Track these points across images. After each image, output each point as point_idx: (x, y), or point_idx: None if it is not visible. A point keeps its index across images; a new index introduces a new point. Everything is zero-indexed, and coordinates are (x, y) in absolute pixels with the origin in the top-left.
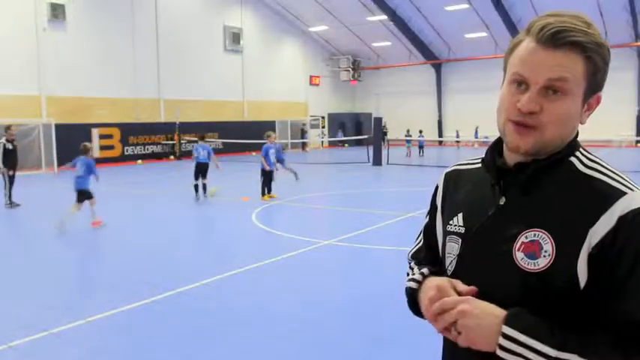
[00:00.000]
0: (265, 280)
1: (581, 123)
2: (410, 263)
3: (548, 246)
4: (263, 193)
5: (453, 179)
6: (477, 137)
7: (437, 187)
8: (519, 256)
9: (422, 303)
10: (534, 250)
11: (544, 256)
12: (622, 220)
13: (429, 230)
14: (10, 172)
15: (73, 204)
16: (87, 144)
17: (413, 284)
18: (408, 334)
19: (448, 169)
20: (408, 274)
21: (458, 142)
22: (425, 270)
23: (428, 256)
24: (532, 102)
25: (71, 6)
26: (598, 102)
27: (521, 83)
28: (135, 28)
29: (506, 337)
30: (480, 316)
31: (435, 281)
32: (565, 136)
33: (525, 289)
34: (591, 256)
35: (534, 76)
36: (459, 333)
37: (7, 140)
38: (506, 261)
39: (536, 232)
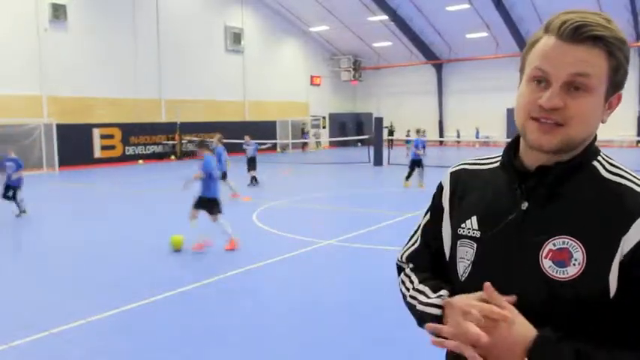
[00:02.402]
0: (265, 279)
1: (602, 122)
2: (405, 268)
3: (578, 254)
4: (407, 179)
5: (463, 179)
6: (477, 137)
7: (441, 187)
8: (547, 264)
9: (452, 325)
10: (564, 258)
11: (574, 265)
12: None
13: (430, 232)
14: None
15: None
16: (217, 136)
17: (434, 310)
18: (408, 334)
19: (454, 168)
20: (403, 282)
21: (459, 142)
22: (444, 292)
23: (427, 259)
24: (555, 97)
25: (72, 6)
26: (619, 101)
27: (541, 81)
28: (136, 29)
29: None
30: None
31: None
32: (589, 134)
33: (552, 298)
34: (622, 265)
35: (556, 72)
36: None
37: None
38: (532, 269)
39: (566, 240)
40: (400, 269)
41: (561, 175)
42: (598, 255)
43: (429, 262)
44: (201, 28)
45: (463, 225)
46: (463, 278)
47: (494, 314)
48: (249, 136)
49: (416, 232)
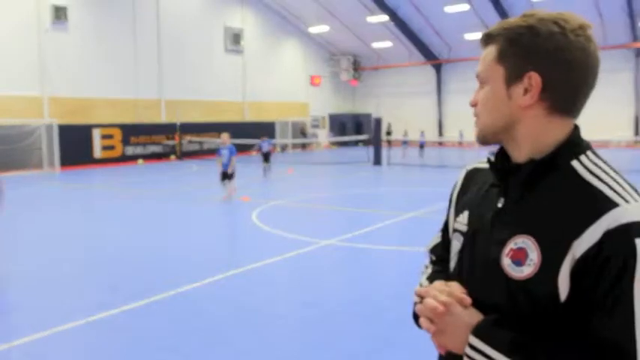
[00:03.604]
0: (265, 280)
1: (522, 105)
2: (428, 258)
3: (534, 254)
4: None
5: (471, 176)
6: None
7: (456, 183)
8: (506, 262)
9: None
10: (520, 258)
11: (528, 265)
12: (608, 234)
13: (446, 225)
14: None
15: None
16: (226, 134)
17: (415, 298)
18: (408, 334)
19: (469, 166)
20: (422, 273)
21: (460, 142)
22: (427, 283)
23: (443, 252)
24: (473, 96)
25: (73, 8)
26: (537, 81)
27: None
28: (136, 29)
29: (472, 347)
30: (454, 320)
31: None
32: (499, 119)
33: (510, 296)
34: (574, 270)
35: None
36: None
37: None
38: (495, 266)
39: (525, 239)
40: (428, 259)
41: (532, 172)
42: (550, 257)
43: (444, 254)
44: (201, 28)
45: (458, 219)
46: (452, 270)
47: (453, 296)
48: (266, 136)
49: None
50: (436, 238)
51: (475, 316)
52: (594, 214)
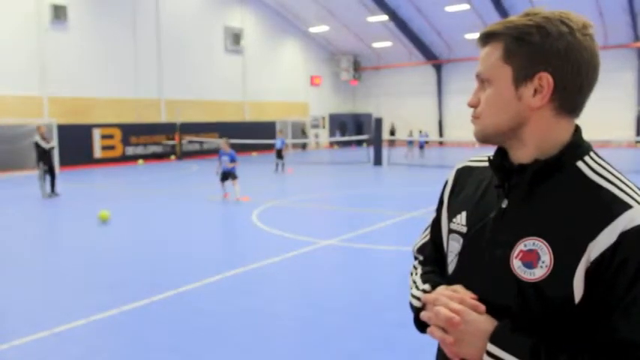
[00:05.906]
0: (265, 280)
1: (532, 106)
2: (416, 259)
3: (546, 257)
4: None
5: (463, 175)
6: None
7: (446, 182)
8: (516, 264)
9: (429, 310)
10: (532, 260)
11: (541, 267)
12: (624, 236)
13: (435, 225)
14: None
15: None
16: (226, 140)
17: (416, 302)
18: (408, 334)
19: (460, 165)
20: (411, 274)
21: (427, 142)
22: (427, 286)
23: (433, 252)
24: (472, 97)
25: (73, 7)
26: (548, 81)
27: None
28: (136, 29)
29: (490, 354)
30: (470, 329)
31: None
32: (505, 120)
33: (521, 298)
34: (589, 272)
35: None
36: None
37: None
38: (503, 268)
39: (536, 241)
40: (415, 259)
41: (538, 173)
42: (564, 259)
43: (434, 254)
44: (201, 28)
45: (454, 220)
46: (450, 272)
47: (465, 303)
48: (280, 133)
49: (429, 224)
50: (423, 237)
51: (491, 323)
52: (609, 216)
